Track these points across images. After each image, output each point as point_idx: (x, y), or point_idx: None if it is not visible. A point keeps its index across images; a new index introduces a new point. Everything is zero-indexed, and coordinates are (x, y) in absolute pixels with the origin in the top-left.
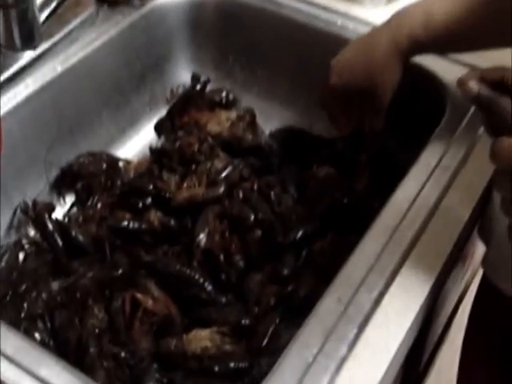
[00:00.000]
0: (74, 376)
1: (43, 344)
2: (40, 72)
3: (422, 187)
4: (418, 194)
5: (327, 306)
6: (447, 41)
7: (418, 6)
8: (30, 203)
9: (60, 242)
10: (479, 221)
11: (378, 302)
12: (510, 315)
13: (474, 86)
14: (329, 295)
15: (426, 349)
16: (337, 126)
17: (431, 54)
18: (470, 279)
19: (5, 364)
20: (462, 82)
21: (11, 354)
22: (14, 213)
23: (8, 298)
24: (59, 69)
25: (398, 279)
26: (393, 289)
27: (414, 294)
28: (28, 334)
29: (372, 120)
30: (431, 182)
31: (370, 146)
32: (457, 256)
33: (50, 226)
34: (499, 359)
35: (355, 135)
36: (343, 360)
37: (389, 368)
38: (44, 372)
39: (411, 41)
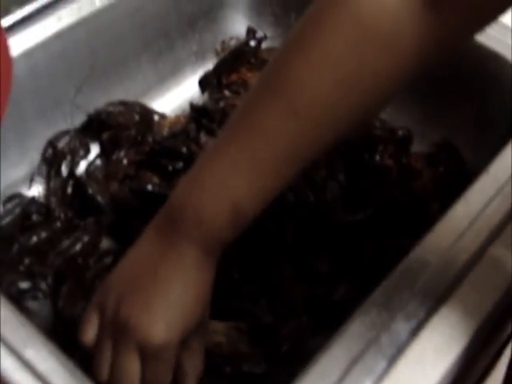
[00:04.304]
0: (61, 362)
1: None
2: (76, 5)
3: (488, 204)
4: (480, 212)
5: (357, 328)
6: None
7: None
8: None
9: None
10: None
11: (415, 333)
12: None
13: None
14: (361, 315)
15: None
16: None
17: None
18: None
19: None
20: None
21: None
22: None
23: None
24: (98, 4)
25: (443, 310)
26: (435, 320)
27: (459, 330)
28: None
29: None
30: (499, 199)
31: None
32: None
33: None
34: None
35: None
36: None
37: None
38: (30, 353)
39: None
